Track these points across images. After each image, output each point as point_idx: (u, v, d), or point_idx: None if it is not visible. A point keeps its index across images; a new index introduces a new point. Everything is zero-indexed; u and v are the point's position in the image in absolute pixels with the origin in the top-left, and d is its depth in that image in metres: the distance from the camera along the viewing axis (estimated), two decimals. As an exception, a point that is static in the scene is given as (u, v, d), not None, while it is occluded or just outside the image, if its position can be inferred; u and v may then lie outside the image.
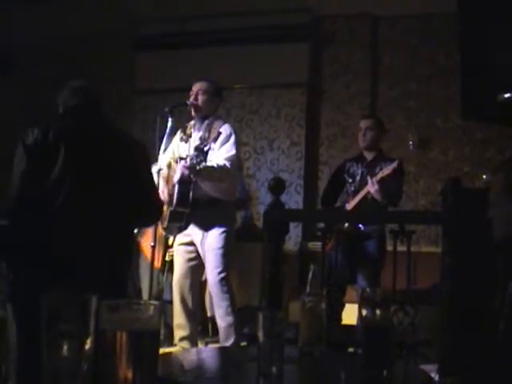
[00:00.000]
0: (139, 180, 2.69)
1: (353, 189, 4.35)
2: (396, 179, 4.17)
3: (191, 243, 3.89)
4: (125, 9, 6.38)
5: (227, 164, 3.74)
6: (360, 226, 4.22)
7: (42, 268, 2.39)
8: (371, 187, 4.10)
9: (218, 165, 3.72)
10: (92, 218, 2.47)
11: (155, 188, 3.10)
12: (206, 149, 3.71)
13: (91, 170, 2.58)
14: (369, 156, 4.40)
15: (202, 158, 3.62)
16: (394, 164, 4.09)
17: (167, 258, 4.60)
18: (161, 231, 4.36)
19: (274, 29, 6.41)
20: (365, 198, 4.20)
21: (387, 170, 4.08)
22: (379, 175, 4.10)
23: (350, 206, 4.27)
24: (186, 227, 3.85)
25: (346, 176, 4.44)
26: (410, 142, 6.16)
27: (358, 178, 4.36)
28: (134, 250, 5.17)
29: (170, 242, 4.48)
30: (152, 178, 2.89)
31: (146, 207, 2.75)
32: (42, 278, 2.31)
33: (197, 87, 3.94)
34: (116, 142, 2.71)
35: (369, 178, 4.14)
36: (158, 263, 4.78)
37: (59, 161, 2.50)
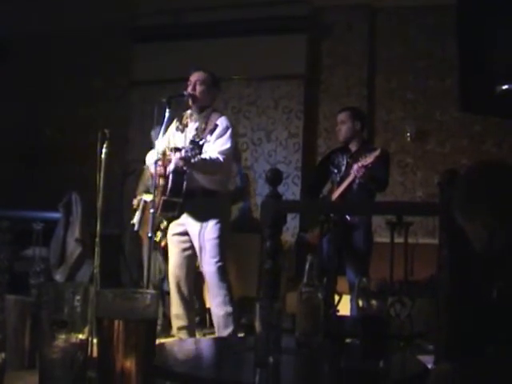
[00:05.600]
0: None
1: (338, 179, 4.38)
2: (381, 166, 4.19)
3: (185, 233, 3.90)
4: (123, 0, 6.35)
5: (220, 158, 3.75)
6: (347, 216, 4.23)
7: None
8: (357, 172, 4.12)
9: (210, 158, 3.73)
10: None
11: None
12: (201, 142, 3.73)
13: None
14: (353, 147, 4.43)
15: (197, 151, 3.63)
16: (376, 152, 4.11)
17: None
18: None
19: (272, 20, 6.38)
20: (350, 185, 4.22)
21: (369, 158, 4.11)
22: (361, 162, 4.12)
23: (335, 195, 4.29)
24: (178, 217, 3.86)
25: (331, 167, 4.47)
26: (408, 134, 6.16)
27: (343, 168, 4.39)
28: (135, 241, 5.18)
29: (162, 226, 4.42)
30: None
31: None
32: None
33: (194, 77, 3.92)
34: None
35: (354, 165, 4.16)
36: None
37: None
